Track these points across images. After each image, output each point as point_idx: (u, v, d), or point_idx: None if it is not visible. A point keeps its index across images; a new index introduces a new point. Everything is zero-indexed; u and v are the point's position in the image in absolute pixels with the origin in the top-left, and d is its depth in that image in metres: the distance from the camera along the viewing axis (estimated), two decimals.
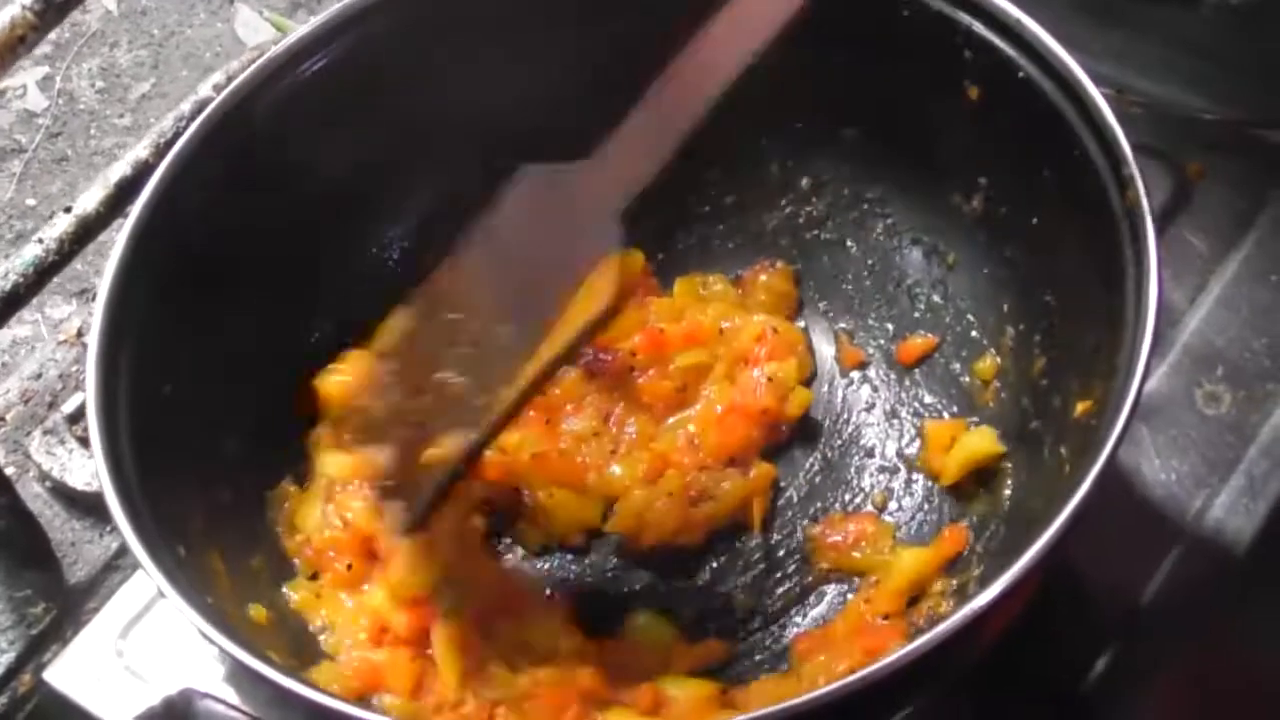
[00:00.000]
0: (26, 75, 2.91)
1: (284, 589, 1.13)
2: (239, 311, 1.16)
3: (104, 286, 1.06)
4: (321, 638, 1.10)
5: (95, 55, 2.94)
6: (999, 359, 1.17)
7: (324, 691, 0.90)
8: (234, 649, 0.91)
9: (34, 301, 2.34)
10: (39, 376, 1.37)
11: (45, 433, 1.29)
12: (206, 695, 0.92)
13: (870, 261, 1.28)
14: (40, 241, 1.13)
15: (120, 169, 1.17)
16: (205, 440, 1.12)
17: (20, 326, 2.51)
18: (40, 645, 1.21)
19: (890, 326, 1.27)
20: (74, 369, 1.36)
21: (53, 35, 2.91)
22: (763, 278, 1.30)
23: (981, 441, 1.15)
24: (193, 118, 1.17)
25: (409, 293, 1.19)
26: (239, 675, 0.96)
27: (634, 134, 1.07)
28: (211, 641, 0.92)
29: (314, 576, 1.14)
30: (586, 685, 1.07)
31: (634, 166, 1.06)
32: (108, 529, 1.27)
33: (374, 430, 1.14)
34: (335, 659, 1.08)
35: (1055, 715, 1.10)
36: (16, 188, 2.76)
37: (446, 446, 1.08)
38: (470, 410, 1.09)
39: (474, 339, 1.11)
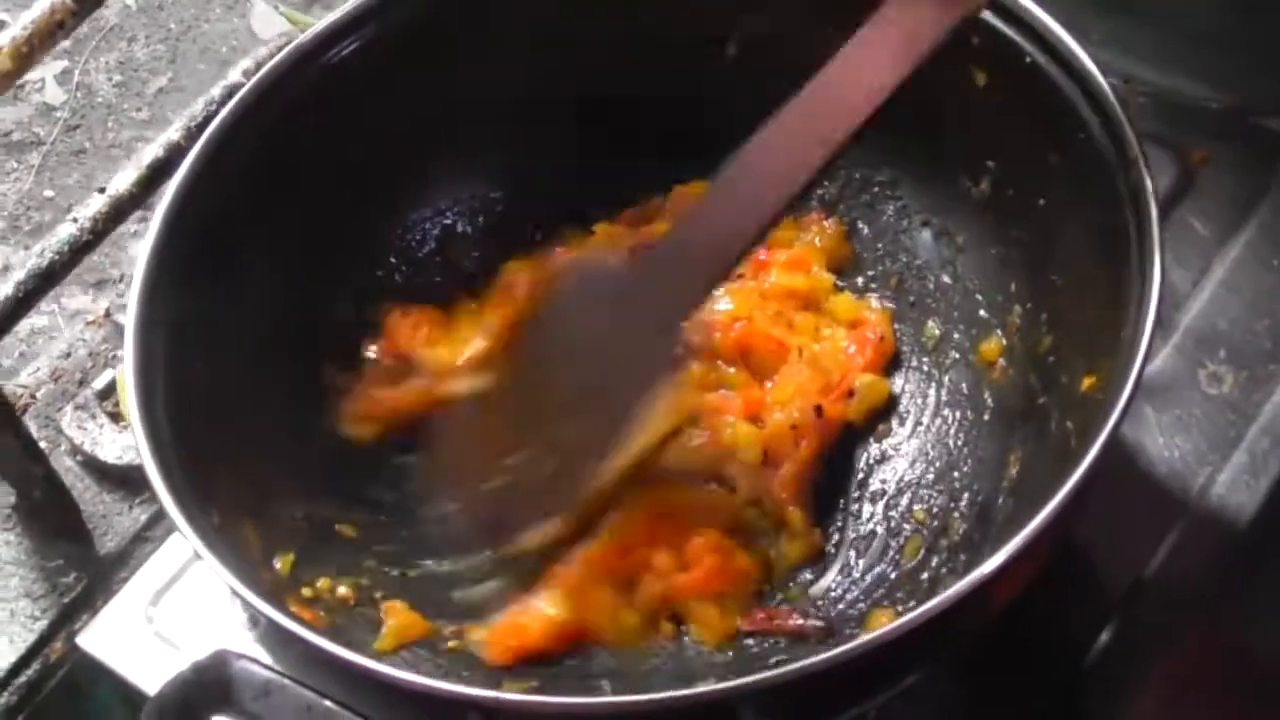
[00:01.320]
0: (45, 69, 2.93)
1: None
2: (270, 288, 1.19)
3: (141, 259, 1.08)
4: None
5: (113, 49, 2.96)
6: (1005, 340, 1.19)
7: (358, 652, 0.92)
8: (269, 609, 0.93)
9: (51, 292, 2.39)
10: (68, 355, 1.40)
11: (76, 408, 1.32)
12: (242, 656, 0.94)
13: (880, 244, 1.30)
14: (74, 220, 1.16)
15: (153, 150, 1.20)
16: (239, 412, 1.14)
17: (38, 317, 2.53)
18: (71, 614, 1.24)
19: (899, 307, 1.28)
20: (103, 348, 1.39)
21: None
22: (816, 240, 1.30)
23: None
24: (223, 102, 1.20)
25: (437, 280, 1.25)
26: (272, 637, 0.98)
27: (698, 231, 1.07)
28: (247, 603, 0.94)
29: None
30: None
31: (691, 280, 1.07)
32: (138, 501, 1.30)
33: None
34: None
35: (1057, 690, 1.11)
36: (35, 179, 2.78)
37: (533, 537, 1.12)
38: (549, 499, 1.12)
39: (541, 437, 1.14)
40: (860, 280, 1.31)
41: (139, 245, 1.10)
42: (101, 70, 2.94)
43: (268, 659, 0.97)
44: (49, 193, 2.74)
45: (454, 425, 1.18)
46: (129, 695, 1.16)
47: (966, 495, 1.14)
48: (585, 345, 1.12)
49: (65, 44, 2.94)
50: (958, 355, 1.23)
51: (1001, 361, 1.19)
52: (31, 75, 2.92)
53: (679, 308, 1.09)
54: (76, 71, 2.93)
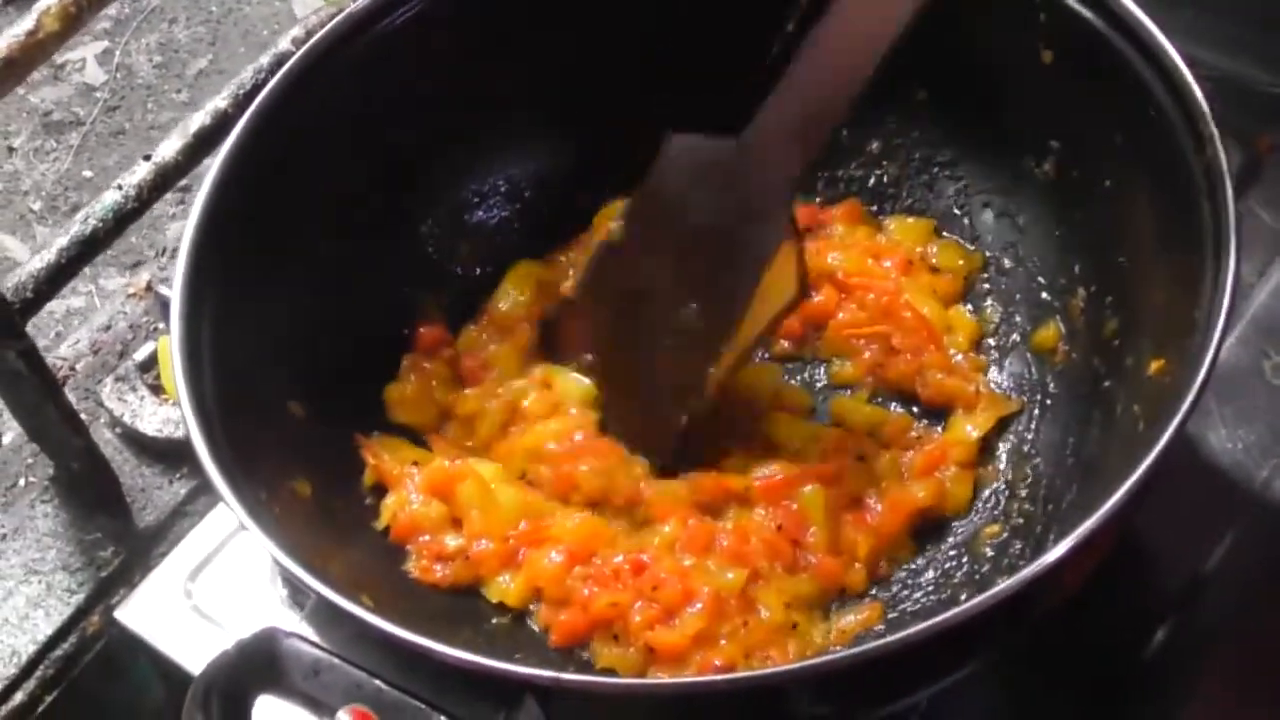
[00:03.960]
0: (85, 49, 2.94)
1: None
2: (320, 260, 1.17)
3: (189, 226, 1.06)
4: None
5: (154, 30, 2.96)
6: (1067, 323, 1.17)
7: (408, 628, 0.90)
8: (318, 585, 0.91)
9: (86, 272, 2.39)
10: (108, 328, 1.38)
11: (117, 380, 1.31)
12: (291, 634, 0.92)
13: (941, 225, 1.28)
14: (120, 188, 1.14)
15: (200, 119, 1.18)
16: (286, 388, 1.13)
17: (75, 298, 2.53)
18: (109, 588, 1.23)
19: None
20: (144, 320, 1.38)
21: (112, 10, 2.94)
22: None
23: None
24: (272, 71, 1.18)
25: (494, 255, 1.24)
26: (321, 614, 0.96)
27: (791, 104, 1.05)
28: (295, 578, 0.92)
29: None
30: None
31: (797, 142, 1.05)
32: (178, 475, 1.29)
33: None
34: None
35: (1113, 684, 1.09)
36: (74, 160, 2.78)
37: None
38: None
39: (661, 318, 1.14)
40: None
41: (178, 224, 1.08)
42: (142, 51, 2.94)
43: (315, 637, 0.94)
44: (88, 173, 2.74)
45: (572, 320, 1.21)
46: (167, 671, 1.14)
47: (1030, 480, 1.13)
48: (695, 232, 1.12)
49: (106, 24, 2.97)
50: (1018, 338, 1.21)
51: (1063, 345, 1.17)
52: (72, 55, 2.93)
53: (785, 181, 1.07)
54: (117, 52, 2.93)
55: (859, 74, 1.04)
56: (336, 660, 0.91)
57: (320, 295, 1.17)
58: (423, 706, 0.88)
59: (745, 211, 1.09)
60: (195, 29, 2.95)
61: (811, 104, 1.05)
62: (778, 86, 1.06)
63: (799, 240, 1.11)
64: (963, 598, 0.99)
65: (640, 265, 1.16)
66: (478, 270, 1.30)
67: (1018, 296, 1.22)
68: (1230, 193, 0.96)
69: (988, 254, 1.25)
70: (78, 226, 1.13)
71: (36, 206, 2.72)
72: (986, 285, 1.24)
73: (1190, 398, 0.89)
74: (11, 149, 2.81)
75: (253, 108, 1.12)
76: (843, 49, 1.03)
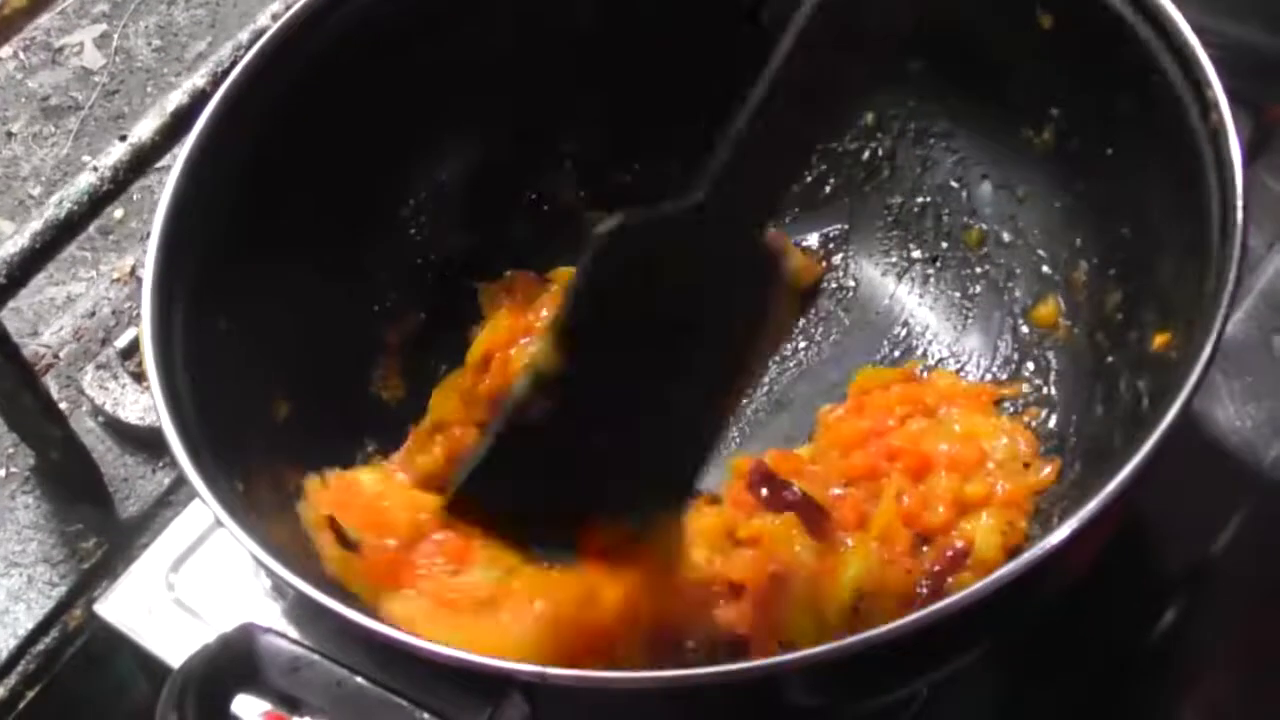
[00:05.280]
0: (83, 33, 2.92)
1: None
2: (295, 246, 1.14)
3: (159, 214, 1.04)
4: None
5: (152, 13, 2.95)
6: (1068, 297, 1.15)
7: (388, 624, 0.88)
8: (296, 581, 0.89)
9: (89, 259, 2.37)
10: (92, 314, 1.36)
11: (98, 367, 1.28)
12: (268, 630, 0.89)
13: (938, 199, 1.26)
14: (95, 170, 1.11)
15: (177, 98, 1.15)
16: (262, 378, 1.10)
17: (74, 284, 2.52)
18: (91, 580, 1.21)
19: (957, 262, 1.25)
20: (127, 305, 1.35)
21: None
22: None
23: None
24: (249, 47, 1.15)
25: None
26: (300, 610, 0.94)
27: (747, 149, 0.92)
28: (272, 573, 0.90)
29: None
30: None
31: (757, 188, 0.94)
32: (160, 465, 1.27)
33: None
34: None
35: (1118, 668, 1.07)
36: (73, 144, 2.77)
37: None
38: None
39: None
40: (915, 240, 1.27)
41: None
42: (141, 34, 2.92)
43: (295, 633, 0.92)
44: (86, 157, 2.72)
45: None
46: (149, 665, 1.11)
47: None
48: (673, 295, 0.97)
49: (104, 7, 2.95)
50: (1018, 312, 1.19)
51: (1064, 320, 1.15)
52: (70, 39, 2.91)
53: (760, 213, 0.97)
54: (115, 35, 2.91)
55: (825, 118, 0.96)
56: (316, 657, 0.88)
57: (299, 278, 1.14)
58: (406, 704, 0.86)
59: (721, 271, 0.97)
60: (194, 11, 2.94)
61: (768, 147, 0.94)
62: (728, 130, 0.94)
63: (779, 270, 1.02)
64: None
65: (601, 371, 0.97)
66: (462, 259, 1.28)
67: (1017, 270, 1.20)
68: (1238, 158, 0.93)
69: (985, 227, 1.22)
70: (51, 210, 1.10)
71: (36, 192, 2.71)
72: (987, 259, 1.22)
73: (1196, 373, 0.86)
74: (10, 134, 2.80)
75: (226, 84, 1.09)
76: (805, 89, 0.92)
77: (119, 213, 2.59)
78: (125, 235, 2.59)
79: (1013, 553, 1.04)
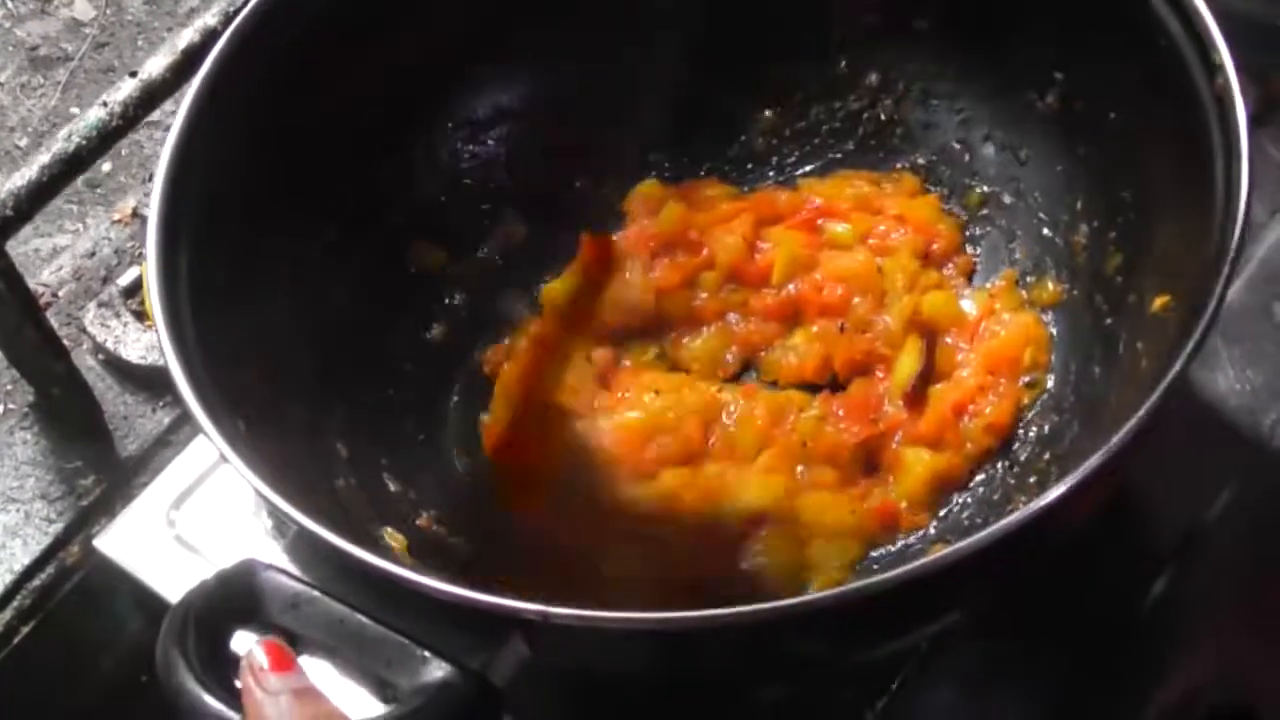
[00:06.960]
0: None
1: None
2: (309, 183, 1.13)
3: (166, 149, 1.03)
4: None
5: None
6: (1069, 259, 1.16)
7: (391, 560, 0.88)
8: (300, 516, 0.88)
9: (75, 211, 2.35)
10: (92, 254, 1.35)
11: (100, 305, 1.28)
12: (269, 566, 0.89)
13: (941, 160, 1.26)
14: (104, 105, 1.11)
15: (188, 35, 1.14)
16: (269, 313, 1.10)
17: (60, 236, 2.51)
18: (89, 517, 1.20)
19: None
20: (129, 245, 1.34)
21: None
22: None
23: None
24: None
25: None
26: (302, 546, 0.94)
27: None
28: (276, 509, 0.90)
29: None
30: None
31: None
32: (161, 404, 1.26)
33: None
34: None
35: (1109, 639, 1.07)
36: (61, 96, 2.75)
37: None
38: None
39: None
40: None
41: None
42: None
43: (296, 570, 0.91)
44: (75, 109, 2.71)
45: None
46: (147, 602, 1.11)
47: (1030, 417, 1.11)
48: None
49: None
50: (1020, 273, 1.19)
51: (1065, 283, 1.15)
52: None
53: None
54: None
55: None
56: (317, 593, 0.88)
57: (309, 220, 1.14)
58: (406, 642, 0.86)
59: None
60: None
61: None
62: None
63: None
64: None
65: None
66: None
67: (1018, 232, 1.20)
68: (1243, 122, 0.93)
69: (987, 189, 1.23)
70: (60, 144, 1.09)
71: (23, 143, 2.69)
72: (990, 221, 1.23)
73: (1196, 336, 0.87)
74: None
75: (238, 19, 1.09)
76: None
77: (107, 166, 2.57)
78: (113, 189, 2.57)
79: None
